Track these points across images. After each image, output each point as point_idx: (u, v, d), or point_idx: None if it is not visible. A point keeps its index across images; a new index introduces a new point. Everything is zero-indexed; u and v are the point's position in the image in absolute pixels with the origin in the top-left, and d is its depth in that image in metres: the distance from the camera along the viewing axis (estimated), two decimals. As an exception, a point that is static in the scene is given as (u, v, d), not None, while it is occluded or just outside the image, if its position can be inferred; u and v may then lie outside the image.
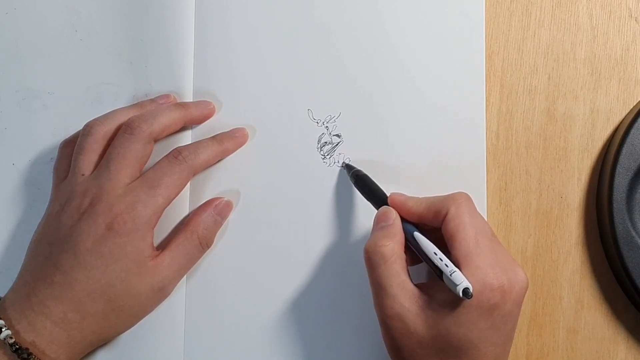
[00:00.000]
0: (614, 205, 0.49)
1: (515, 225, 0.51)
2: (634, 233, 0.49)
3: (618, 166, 0.49)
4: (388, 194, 0.46)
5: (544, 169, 0.52)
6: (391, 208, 0.45)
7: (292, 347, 0.50)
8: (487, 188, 0.51)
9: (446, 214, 0.43)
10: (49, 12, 0.52)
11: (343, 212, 0.50)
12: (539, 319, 0.51)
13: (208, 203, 0.50)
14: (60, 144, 0.50)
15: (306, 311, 0.50)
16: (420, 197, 0.46)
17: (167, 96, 0.51)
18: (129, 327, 0.48)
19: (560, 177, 0.52)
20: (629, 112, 0.52)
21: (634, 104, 0.52)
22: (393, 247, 0.43)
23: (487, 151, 0.51)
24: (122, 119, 0.48)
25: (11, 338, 0.43)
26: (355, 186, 0.49)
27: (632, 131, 0.49)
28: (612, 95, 0.52)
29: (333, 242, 0.50)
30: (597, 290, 0.51)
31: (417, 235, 0.43)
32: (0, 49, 0.52)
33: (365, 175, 0.49)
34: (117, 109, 0.50)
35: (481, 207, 0.51)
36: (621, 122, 0.51)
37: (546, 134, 0.52)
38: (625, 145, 0.49)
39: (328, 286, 0.50)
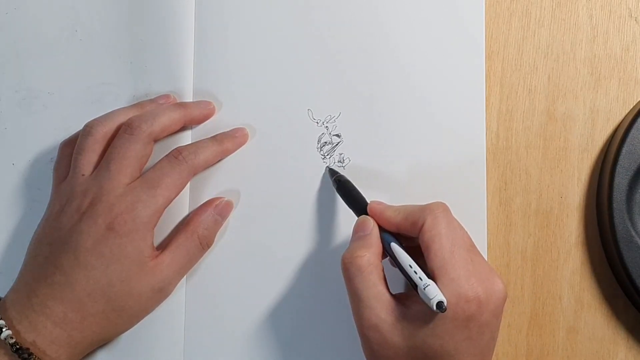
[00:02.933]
0: (614, 205, 0.49)
1: (515, 225, 0.51)
2: (634, 233, 0.49)
3: (618, 166, 0.49)
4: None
5: (544, 169, 0.52)
6: (369, 217, 0.45)
7: (293, 347, 0.50)
8: (487, 188, 0.51)
9: (422, 225, 0.43)
10: (49, 12, 0.52)
11: (344, 212, 0.50)
12: (539, 319, 0.51)
13: (208, 203, 0.50)
14: (60, 144, 0.50)
15: (307, 311, 0.50)
16: (399, 205, 0.45)
17: (167, 96, 0.51)
18: (130, 327, 0.48)
19: (560, 177, 0.52)
20: (628, 112, 0.52)
21: (634, 104, 0.52)
22: (369, 257, 0.43)
23: (487, 151, 0.51)
24: (122, 119, 0.48)
25: (12, 338, 0.43)
26: (337, 192, 0.49)
27: (632, 131, 0.49)
28: (612, 95, 0.52)
29: (334, 242, 0.50)
30: (597, 290, 0.51)
31: (394, 246, 0.43)
32: (0, 49, 0.52)
33: (348, 181, 0.48)
34: (117, 109, 0.50)
35: (481, 207, 0.51)
36: (621, 122, 0.51)
37: (546, 134, 0.52)
38: (625, 145, 0.49)
39: (329, 286, 0.50)
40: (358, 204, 0.47)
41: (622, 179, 0.49)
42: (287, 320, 0.50)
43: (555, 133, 0.52)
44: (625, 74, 0.52)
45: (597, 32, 0.52)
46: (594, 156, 0.52)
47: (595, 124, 0.52)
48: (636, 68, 0.52)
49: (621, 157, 0.49)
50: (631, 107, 0.52)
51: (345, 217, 0.50)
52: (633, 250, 0.49)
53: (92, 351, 0.48)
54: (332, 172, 0.50)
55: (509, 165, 0.52)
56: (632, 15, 0.53)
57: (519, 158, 0.52)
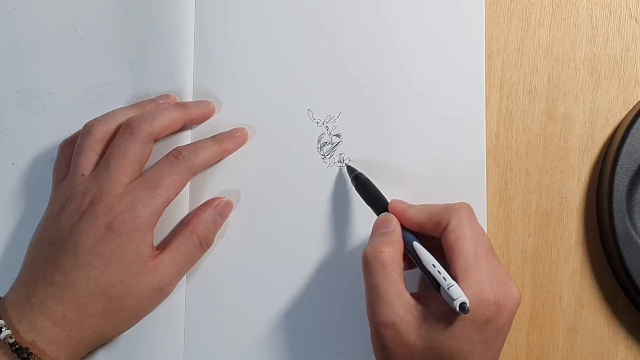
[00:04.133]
0: (614, 205, 0.49)
1: (515, 225, 0.51)
2: (634, 233, 0.49)
3: (618, 166, 0.49)
4: (389, 197, 0.46)
5: (544, 169, 0.52)
6: (392, 215, 0.45)
7: (292, 347, 0.50)
8: (487, 188, 0.51)
9: (447, 225, 0.43)
10: (49, 12, 0.52)
11: (343, 213, 0.50)
12: (539, 319, 0.51)
13: (208, 203, 0.50)
14: (60, 144, 0.50)
15: (306, 311, 0.50)
16: (421, 204, 0.45)
17: (167, 96, 0.51)
18: (129, 327, 0.48)
19: (560, 177, 0.52)
20: (628, 112, 0.52)
21: (634, 104, 0.52)
22: (393, 254, 0.43)
23: (487, 151, 0.51)
24: (122, 119, 0.48)
25: (11, 338, 0.43)
26: (356, 189, 0.49)
27: (632, 131, 0.49)
28: (612, 95, 0.52)
29: (332, 242, 0.50)
30: (597, 290, 0.51)
31: (417, 245, 0.43)
32: (0, 49, 0.52)
33: (367, 180, 0.48)
34: (117, 109, 0.50)
35: (481, 207, 0.51)
36: (621, 122, 0.51)
37: (546, 134, 0.52)
38: (625, 145, 0.49)
39: (328, 286, 0.50)
40: (378, 202, 0.47)
41: (622, 179, 0.49)
42: (287, 320, 0.50)
43: (555, 133, 0.52)
44: (625, 74, 0.52)
45: (597, 32, 0.52)
46: (594, 156, 0.52)
47: (595, 124, 0.52)
48: (636, 68, 0.52)
49: (621, 157, 0.49)
50: (631, 107, 0.52)
51: (345, 217, 0.50)
52: (633, 250, 0.49)
53: (92, 351, 0.48)
54: (350, 170, 0.50)
55: (509, 165, 0.52)
56: (632, 15, 0.53)
57: (519, 158, 0.52)
